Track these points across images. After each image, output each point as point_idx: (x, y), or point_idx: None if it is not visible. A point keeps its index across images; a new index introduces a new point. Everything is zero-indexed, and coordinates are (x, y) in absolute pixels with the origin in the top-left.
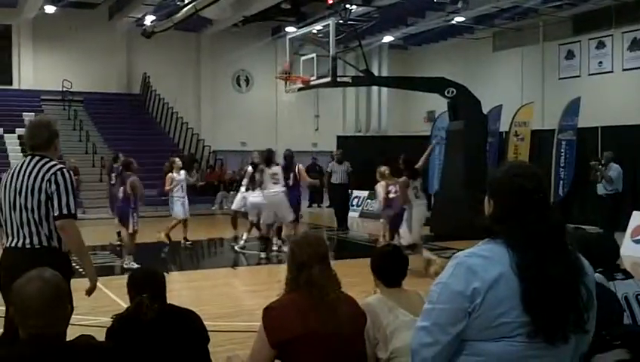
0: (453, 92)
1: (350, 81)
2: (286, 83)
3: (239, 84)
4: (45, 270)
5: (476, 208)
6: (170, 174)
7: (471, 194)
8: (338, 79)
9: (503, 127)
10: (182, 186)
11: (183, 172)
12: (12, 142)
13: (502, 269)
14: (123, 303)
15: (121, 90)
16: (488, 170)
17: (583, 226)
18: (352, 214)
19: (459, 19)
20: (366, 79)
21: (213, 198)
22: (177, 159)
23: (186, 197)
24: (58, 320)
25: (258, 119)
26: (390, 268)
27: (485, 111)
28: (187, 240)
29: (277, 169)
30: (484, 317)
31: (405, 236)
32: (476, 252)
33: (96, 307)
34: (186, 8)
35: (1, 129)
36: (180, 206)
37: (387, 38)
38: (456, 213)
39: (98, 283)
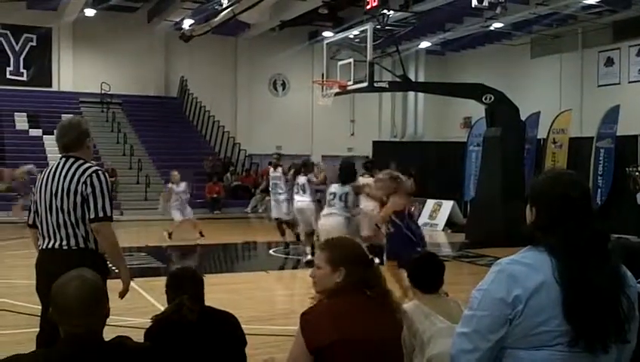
0: (491, 98)
1: (387, 86)
2: (323, 88)
3: (275, 88)
4: (85, 270)
5: (513, 216)
6: (170, 185)
7: (507, 202)
8: (375, 84)
9: (541, 134)
10: (180, 197)
11: (183, 184)
12: (51, 143)
13: (544, 277)
14: (159, 305)
15: (159, 93)
16: (532, 177)
17: (622, 236)
18: None
19: (497, 25)
20: (403, 85)
21: (247, 202)
22: (176, 172)
23: (185, 204)
24: (96, 320)
25: (294, 123)
26: (427, 274)
27: (523, 118)
28: (202, 235)
29: (303, 179)
30: (524, 325)
31: None
32: (518, 259)
33: (132, 308)
34: (224, 12)
35: (41, 130)
36: (176, 211)
37: (424, 44)
38: (491, 220)
39: (134, 285)
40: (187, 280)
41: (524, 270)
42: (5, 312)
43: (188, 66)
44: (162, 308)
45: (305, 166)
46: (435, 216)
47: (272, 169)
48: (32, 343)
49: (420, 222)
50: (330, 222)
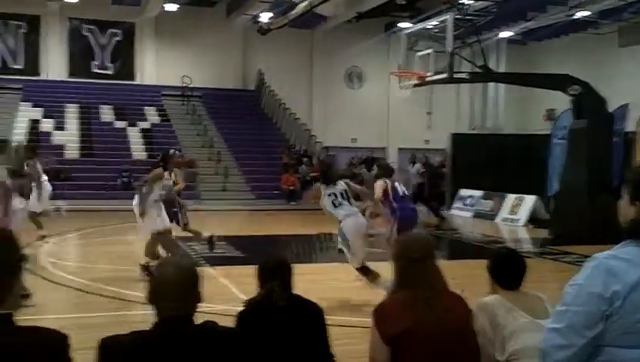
0: (577, 89)
1: (467, 77)
2: (400, 79)
3: (351, 81)
4: (182, 256)
5: (600, 211)
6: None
7: (594, 197)
8: (455, 75)
9: (629, 126)
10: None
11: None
12: (134, 135)
13: None
14: (238, 292)
15: (237, 86)
16: (628, 171)
17: None
18: (464, 214)
19: (582, 13)
20: (484, 75)
21: None
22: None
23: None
24: (190, 305)
25: (369, 116)
26: (508, 271)
27: (610, 110)
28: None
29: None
30: (622, 322)
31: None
32: (616, 254)
33: (213, 295)
34: (301, 5)
35: (125, 122)
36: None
37: (505, 33)
38: (577, 216)
39: (215, 272)
40: (277, 268)
41: (623, 265)
42: (96, 296)
43: (265, 59)
44: (241, 295)
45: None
46: (517, 211)
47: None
48: (118, 325)
49: (500, 217)
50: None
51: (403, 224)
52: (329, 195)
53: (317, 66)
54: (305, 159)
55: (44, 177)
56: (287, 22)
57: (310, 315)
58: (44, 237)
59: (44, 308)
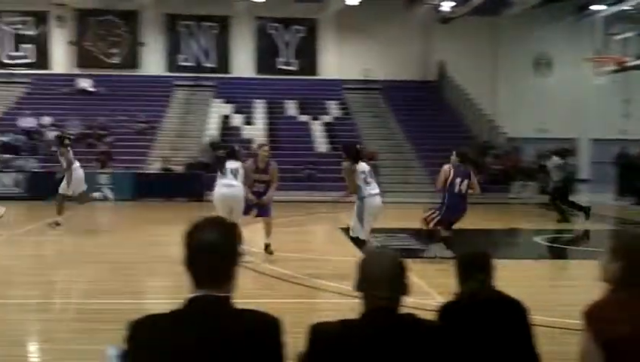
0: None
1: None
2: (595, 65)
3: (539, 68)
4: (386, 248)
5: None
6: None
7: None
8: None
9: None
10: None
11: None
12: (317, 128)
13: None
14: (422, 283)
15: (418, 78)
16: None
17: None
18: None
19: None
20: None
21: (507, 186)
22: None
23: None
24: (398, 296)
25: (558, 105)
26: None
27: None
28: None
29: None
30: None
31: (356, 230)
32: None
33: None
34: None
35: (309, 116)
36: None
37: None
38: None
39: None
40: (482, 262)
41: None
42: (284, 283)
43: (446, 49)
44: (426, 288)
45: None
46: None
47: None
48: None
49: None
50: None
51: (448, 214)
52: (362, 173)
53: (502, 54)
54: (491, 151)
55: (76, 164)
56: (469, 9)
57: (516, 312)
58: (57, 223)
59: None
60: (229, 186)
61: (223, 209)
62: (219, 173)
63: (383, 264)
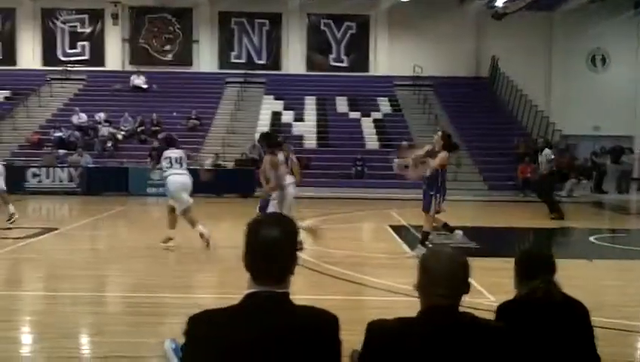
0: None
1: None
2: None
3: (594, 64)
4: (447, 246)
5: None
6: None
7: None
8: None
9: None
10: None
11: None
12: (368, 125)
13: None
14: (477, 285)
15: (470, 74)
16: None
17: None
18: None
19: None
20: None
21: (562, 185)
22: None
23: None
24: (459, 295)
25: (614, 101)
26: None
27: None
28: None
29: None
30: None
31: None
32: None
33: None
34: None
35: (359, 113)
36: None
37: None
38: None
39: None
40: (544, 263)
41: None
42: (333, 279)
43: (499, 45)
44: (479, 287)
45: None
46: None
47: None
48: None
49: None
50: None
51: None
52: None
53: (556, 50)
54: (547, 149)
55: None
56: (524, 5)
57: (578, 314)
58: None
59: None
60: (181, 175)
61: (185, 197)
62: (163, 164)
63: (444, 261)
